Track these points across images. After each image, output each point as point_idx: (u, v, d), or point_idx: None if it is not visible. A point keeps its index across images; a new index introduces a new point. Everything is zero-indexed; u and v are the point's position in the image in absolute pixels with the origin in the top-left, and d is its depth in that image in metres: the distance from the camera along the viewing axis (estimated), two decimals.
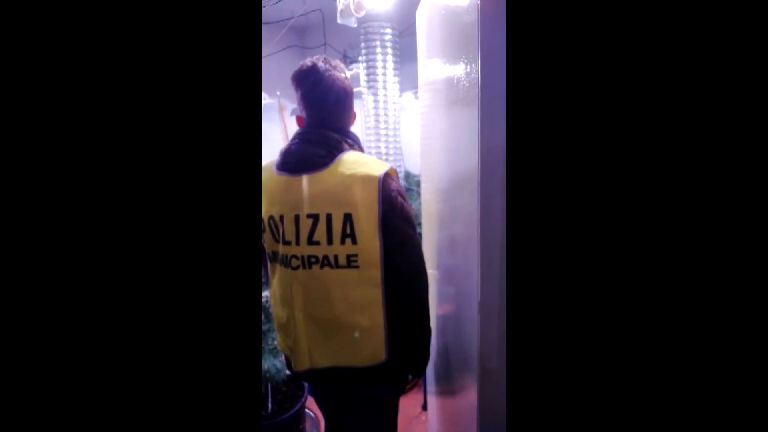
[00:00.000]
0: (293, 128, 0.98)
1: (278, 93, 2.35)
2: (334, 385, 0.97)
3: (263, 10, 2.80)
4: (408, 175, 2.30)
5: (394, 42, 1.99)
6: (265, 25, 2.96)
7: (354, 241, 0.84)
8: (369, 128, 2.07)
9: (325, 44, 3.18)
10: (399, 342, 0.90)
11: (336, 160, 0.86)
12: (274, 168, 0.93)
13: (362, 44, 1.99)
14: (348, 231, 0.84)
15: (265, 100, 2.45)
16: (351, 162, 0.86)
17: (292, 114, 2.81)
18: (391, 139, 2.05)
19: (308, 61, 0.89)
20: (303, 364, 0.92)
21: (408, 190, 2.38)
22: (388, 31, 1.96)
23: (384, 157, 2.03)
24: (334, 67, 0.90)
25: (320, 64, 0.88)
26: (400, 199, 0.86)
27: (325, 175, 0.85)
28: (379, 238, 0.84)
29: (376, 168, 0.85)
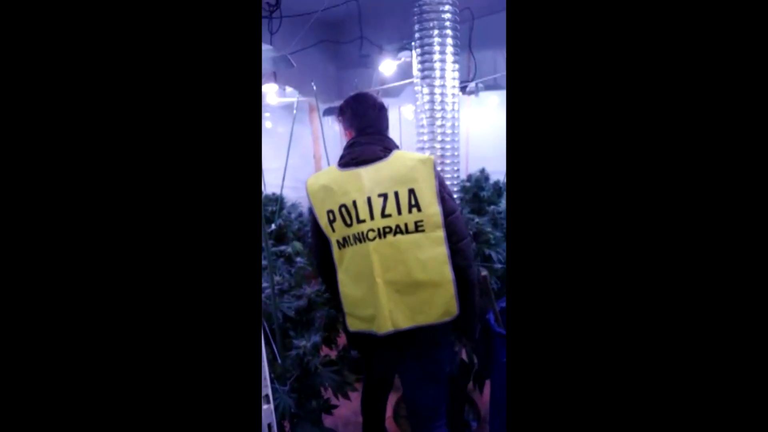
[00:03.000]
0: (328, 129, 0.95)
1: (314, 86, 2.05)
2: (410, 344, 1.08)
3: (292, 3, 2.52)
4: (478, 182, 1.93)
5: (454, 24, 1.63)
6: (295, 19, 2.66)
7: (419, 209, 1.02)
8: (422, 126, 1.71)
9: (361, 37, 2.86)
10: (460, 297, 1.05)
11: (392, 154, 1.07)
12: (336, 167, 1.11)
13: (416, 26, 1.63)
14: (413, 202, 1.02)
15: (297, 98, 2.18)
16: (404, 154, 1.09)
17: (325, 114, 2.49)
18: (448, 139, 1.69)
19: (357, 94, 1.18)
20: (386, 326, 1.04)
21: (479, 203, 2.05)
22: (448, 8, 1.61)
23: (440, 160, 1.68)
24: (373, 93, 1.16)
25: (367, 92, 1.20)
26: (442, 179, 1.08)
27: (387, 164, 1.06)
28: (438, 204, 1.02)
29: (426, 155, 1.08)
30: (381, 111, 1.17)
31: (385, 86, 2.67)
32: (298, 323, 1.23)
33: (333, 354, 1.34)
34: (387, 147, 1.11)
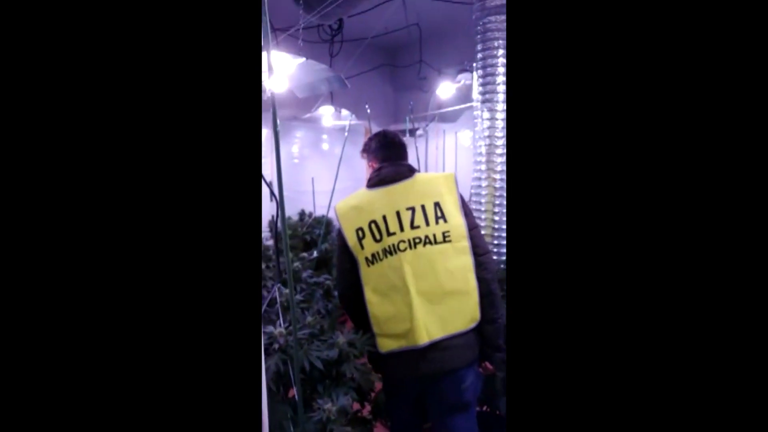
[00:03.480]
0: None
1: (368, 108, 1.98)
2: (445, 359, 1.08)
3: (353, 27, 2.49)
4: None
5: None
6: (355, 43, 2.63)
7: (445, 220, 1.10)
8: (480, 155, 1.53)
9: (420, 60, 2.76)
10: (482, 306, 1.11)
11: (416, 174, 1.18)
12: (365, 189, 1.21)
13: (478, 46, 1.47)
14: (439, 214, 1.11)
15: (350, 120, 2.12)
16: (427, 173, 1.24)
17: None
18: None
19: (380, 131, 1.31)
20: (422, 337, 1.06)
21: None
22: None
23: (498, 192, 1.49)
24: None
25: (390, 130, 1.34)
26: (462, 195, 1.17)
27: (413, 181, 1.16)
28: (462, 216, 1.12)
29: (448, 172, 1.20)
30: (402, 146, 1.28)
31: (442, 110, 2.53)
32: (325, 377, 1.08)
33: (365, 410, 1.17)
34: (411, 169, 1.20)
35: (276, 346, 1.03)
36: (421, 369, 1.10)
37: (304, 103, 2.73)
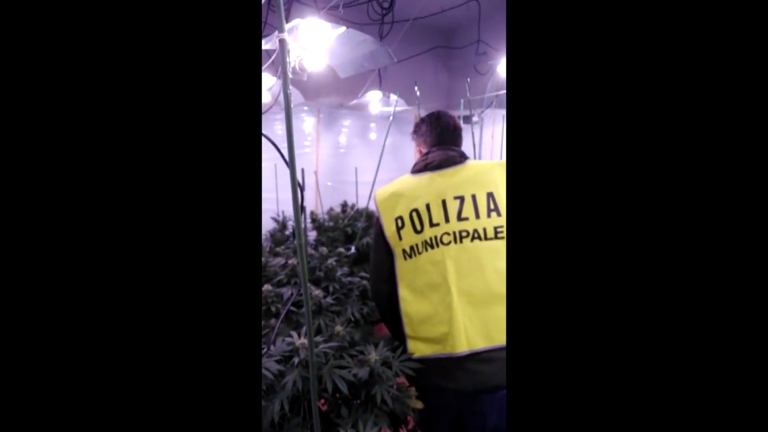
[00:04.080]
0: None
1: (417, 90, 1.78)
2: (487, 374, 0.92)
3: (405, 7, 2.27)
4: None
5: None
6: (406, 23, 2.42)
7: (498, 214, 0.95)
8: None
9: (478, 41, 2.49)
10: None
11: (468, 160, 1.05)
12: (409, 175, 1.08)
13: None
14: (492, 206, 0.96)
15: (395, 107, 1.93)
16: (480, 161, 1.10)
17: None
18: None
19: (433, 112, 1.16)
20: (460, 345, 0.92)
21: None
22: None
23: None
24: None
25: (446, 111, 1.17)
26: None
27: (464, 168, 1.02)
28: None
29: (504, 160, 1.05)
30: (456, 130, 1.13)
31: (501, 92, 2.25)
32: (352, 400, 0.90)
33: None
34: (463, 155, 1.07)
35: (296, 359, 0.88)
36: (459, 380, 0.94)
37: (351, 87, 2.57)
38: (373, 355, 0.89)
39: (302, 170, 1.27)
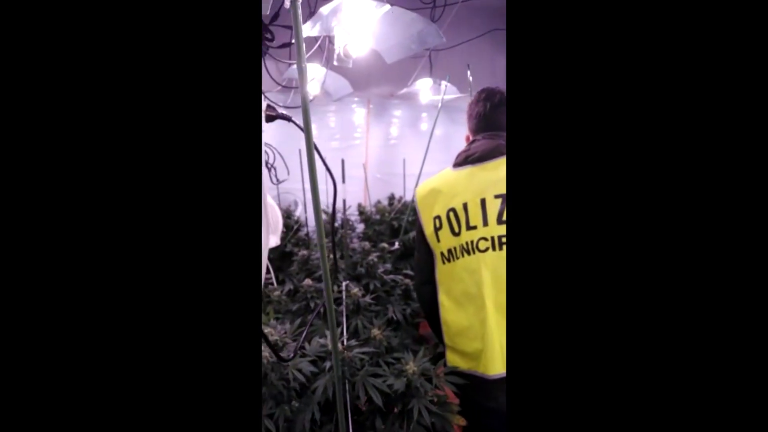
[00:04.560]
0: None
1: (469, 75, 1.64)
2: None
3: None
4: None
5: None
6: (460, 5, 2.26)
7: None
8: None
9: None
10: None
11: None
12: (450, 168, 0.95)
13: None
14: None
15: (442, 95, 1.81)
16: None
17: None
18: None
19: (484, 88, 1.01)
20: (494, 367, 0.82)
21: None
22: None
23: None
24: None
25: (493, 87, 1.00)
26: None
27: None
28: None
29: None
30: (500, 107, 0.96)
31: None
32: (387, 413, 0.83)
33: None
34: None
35: (328, 363, 0.82)
36: (499, 401, 0.84)
37: (400, 76, 2.47)
38: (411, 366, 0.80)
39: (342, 161, 1.21)
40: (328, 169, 0.74)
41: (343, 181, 1.17)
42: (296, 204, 2.45)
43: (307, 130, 0.48)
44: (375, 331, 0.93)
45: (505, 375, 0.81)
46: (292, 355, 0.78)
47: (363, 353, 0.86)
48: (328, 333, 0.90)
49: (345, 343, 0.90)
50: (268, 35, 1.86)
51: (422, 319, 1.33)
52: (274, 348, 0.62)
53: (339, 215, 2.56)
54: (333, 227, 0.74)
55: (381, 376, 0.82)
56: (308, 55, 1.67)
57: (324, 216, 2.42)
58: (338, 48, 1.38)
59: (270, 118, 0.70)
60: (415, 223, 1.01)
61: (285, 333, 1.01)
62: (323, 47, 1.49)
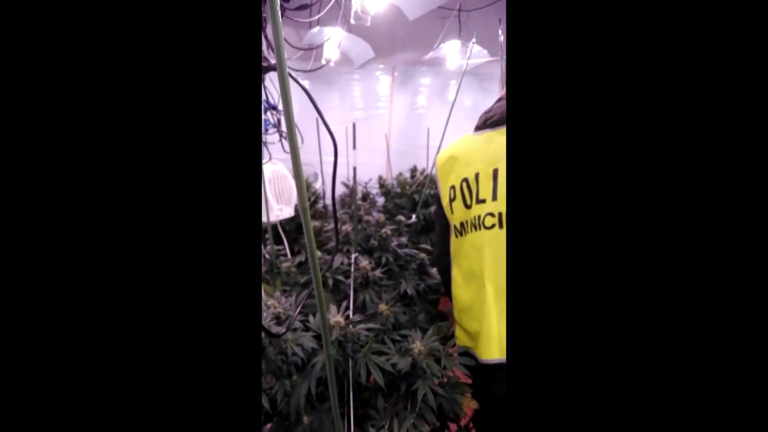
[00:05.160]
0: None
1: (501, 35, 1.49)
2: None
3: None
4: None
5: None
6: None
7: None
8: None
9: None
10: None
11: None
12: (471, 132, 0.87)
13: None
14: None
15: (485, 58, 1.65)
16: None
17: None
18: None
19: None
20: (491, 352, 0.75)
21: None
22: None
23: None
24: None
25: None
26: None
27: None
28: None
29: None
30: None
31: None
32: (389, 394, 0.77)
33: None
34: None
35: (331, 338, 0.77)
36: (490, 387, 0.80)
37: (427, 38, 2.30)
38: (417, 345, 0.74)
39: (354, 125, 1.12)
40: (329, 132, 0.66)
41: (354, 147, 1.09)
42: (315, 176, 2.39)
43: (284, 92, 0.41)
44: (382, 306, 0.87)
45: (500, 362, 0.75)
46: (284, 330, 0.73)
47: (368, 329, 0.80)
48: (333, 307, 0.85)
49: (350, 317, 0.84)
50: None
51: (440, 295, 1.27)
52: (267, 330, 0.57)
53: (346, 183, 2.48)
54: (333, 197, 0.67)
55: (385, 354, 0.76)
56: (322, 14, 1.56)
57: (344, 188, 2.35)
58: (355, 4, 1.27)
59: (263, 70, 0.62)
60: (434, 194, 0.94)
61: (290, 305, 0.97)
62: (340, 3, 1.38)
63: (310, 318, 0.92)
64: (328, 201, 2.64)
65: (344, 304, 0.91)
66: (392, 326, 0.85)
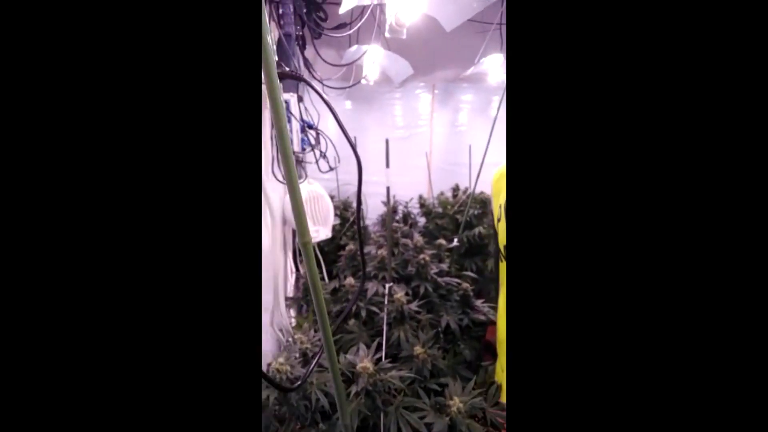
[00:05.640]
0: None
1: None
2: None
3: None
4: None
5: None
6: None
7: None
8: None
9: None
10: None
11: None
12: None
13: None
14: None
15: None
16: None
17: None
18: None
19: None
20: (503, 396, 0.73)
21: None
22: None
23: None
24: None
25: None
26: None
27: None
28: None
29: None
30: None
31: None
32: None
33: None
34: None
35: (354, 389, 0.67)
36: None
37: (466, 53, 2.20)
38: (456, 402, 0.62)
39: (386, 141, 1.04)
40: (354, 149, 0.58)
41: (387, 166, 1.01)
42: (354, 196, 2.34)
43: (276, 111, 0.34)
44: (418, 349, 0.76)
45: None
46: (297, 384, 0.64)
47: (401, 377, 0.69)
48: (362, 347, 0.75)
49: (382, 360, 0.74)
50: (321, 14, 1.75)
51: (489, 324, 1.14)
52: (274, 382, 0.49)
53: (401, 207, 2.39)
54: (359, 217, 0.58)
55: (420, 410, 0.65)
56: (357, 27, 1.52)
57: (384, 207, 2.26)
58: (389, 17, 1.22)
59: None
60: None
61: (318, 340, 0.89)
62: (375, 15, 1.33)
63: (341, 356, 0.84)
64: (368, 221, 2.58)
65: (376, 343, 0.81)
66: (429, 373, 0.74)
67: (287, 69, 0.57)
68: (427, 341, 0.80)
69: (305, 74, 1.98)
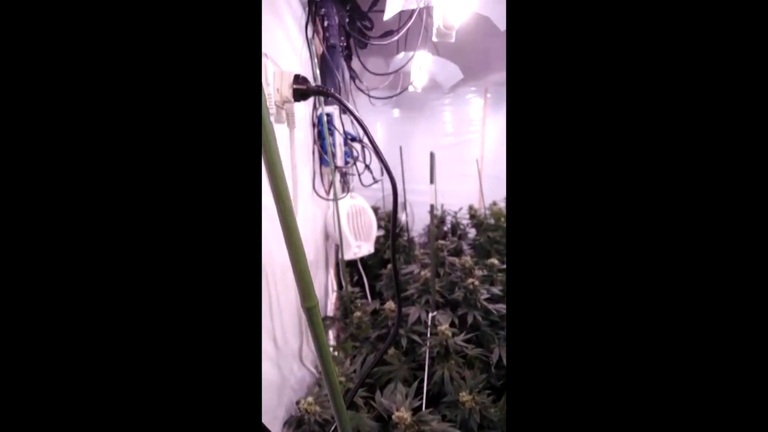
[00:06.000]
0: None
1: None
2: None
3: None
4: None
5: None
6: None
7: None
8: None
9: None
10: None
11: None
12: None
13: None
14: None
15: None
16: None
17: None
18: None
19: None
20: None
21: None
22: None
23: None
24: None
25: None
26: None
27: None
28: None
29: None
30: None
31: None
32: None
33: None
34: None
35: None
36: None
37: None
38: None
39: (431, 154, 0.95)
40: (382, 161, 0.51)
41: (432, 181, 0.92)
42: (402, 208, 2.26)
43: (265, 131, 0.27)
44: (465, 396, 0.65)
45: None
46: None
47: (437, 421, 0.60)
48: (401, 388, 0.67)
49: (423, 407, 0.65)
50: (367, 23, 1.70)
51: None
52: None
53: (449, 218, 2.27)
54: (394, 232, 0.51)
55: None
56: (403, 32, 1.44)
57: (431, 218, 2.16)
58: (436, 19, 1.13)
59: (301, 95, 0.50)
60: None
61: (354, 371, 0.81)
62: (422, 18, 1.24)
63: (377, 393, 0.75)
64: (413, 233, 2.48)
65: (416, 383, 0.72)
66: (477, 426, 0.63)
67: (313, 84, 0.51)
68: (475, 386, 0.69)
69: (351, 86, 1.95)
